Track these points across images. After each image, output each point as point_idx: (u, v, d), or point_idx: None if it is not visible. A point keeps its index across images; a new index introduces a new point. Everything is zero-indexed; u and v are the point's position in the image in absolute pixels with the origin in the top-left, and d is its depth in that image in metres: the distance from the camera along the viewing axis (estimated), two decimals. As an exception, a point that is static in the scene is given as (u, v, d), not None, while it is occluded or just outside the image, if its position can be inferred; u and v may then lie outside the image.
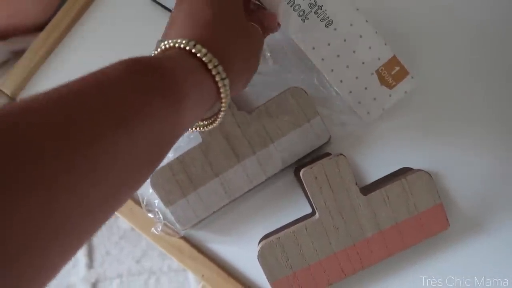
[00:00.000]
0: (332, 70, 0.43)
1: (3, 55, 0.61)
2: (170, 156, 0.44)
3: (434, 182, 0.42)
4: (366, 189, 0.43)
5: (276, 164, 0.44)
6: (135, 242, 1.08)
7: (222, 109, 0.32)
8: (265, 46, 0.45)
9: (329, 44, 0.42)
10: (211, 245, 0.47)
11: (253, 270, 0.45)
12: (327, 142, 0.44)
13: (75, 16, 0.49)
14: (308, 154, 0.44)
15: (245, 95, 0.46)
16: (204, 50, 0.29)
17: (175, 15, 0.33)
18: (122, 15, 0.48)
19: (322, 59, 0.43)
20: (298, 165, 0.45)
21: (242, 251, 0.45)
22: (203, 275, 0.45)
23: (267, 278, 0.42)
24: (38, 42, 0.49)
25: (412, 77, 0.44)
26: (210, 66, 0.29)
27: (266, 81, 0.46)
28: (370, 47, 0.43)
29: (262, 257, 0.42)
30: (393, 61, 0.43)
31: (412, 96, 0.45)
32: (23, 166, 0.18)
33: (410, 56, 0.44)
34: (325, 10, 0.41)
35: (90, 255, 1.22)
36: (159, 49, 0.30)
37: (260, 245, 0.43)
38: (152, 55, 0.30)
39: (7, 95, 0.49)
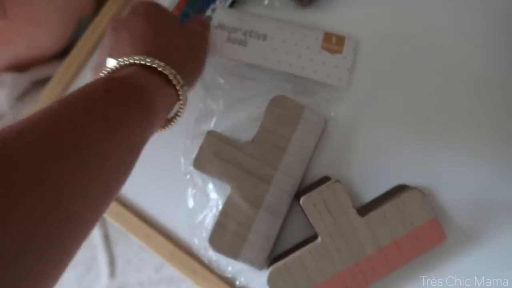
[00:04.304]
0: (290, 65, 0.50)
1: (24, 86, 0.65)
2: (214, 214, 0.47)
3: (426, 199, 0.44)
4: (364, 210, 0.46)
5: (298, 167, 0.47)
6: (153, 251, 1.11)
7: (181, 111, 0.39)
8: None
9: (274, 50, 0.51)
10: (223, 266, 0.49)
11: (264, 292, 0.48)
12: (327, 126, 0.49)
13: (94, 44, 0.55)
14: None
15: (239, 130, 0.49)
16: (162, 64, 0.34)
17: (113, 43, 0.38)
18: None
19: (278, 62, 0.50)
20: (298, 191, 0.47)
21: (253, 273, 0.48)
22: (216, 297, 0.49)
23: (278, 300, 0.45)
24: (61, 71, 0.55)
25: (349, 38, 0.51)
26: (170, 77, 0.35)
27: (245, 107, 0.50)
28: (304, 36, 0.51)
29: (271, 282, 0.45)
30: (327, 35, 0.51)
31: (405, 112, 0.47)
32: (21, 169, 0.21)
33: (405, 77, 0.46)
34: (256, 31, 0.51)
35: (112, 264, 1.26)
36: (114, 66, 0.34)
37: (269, 270, 0.46)
38: (109, 71, 0.35)
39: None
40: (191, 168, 0.47)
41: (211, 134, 0.47)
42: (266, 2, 0.53)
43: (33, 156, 0.22)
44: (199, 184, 0.49)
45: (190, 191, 0.49)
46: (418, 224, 0.44)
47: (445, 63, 0.49)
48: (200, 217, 0.49)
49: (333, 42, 0.51)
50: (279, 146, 0.47)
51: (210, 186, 0.49)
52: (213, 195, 0.48)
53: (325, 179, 0.47)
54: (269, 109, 0.48)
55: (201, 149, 0.47)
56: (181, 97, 0.37)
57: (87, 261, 1.26)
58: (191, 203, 0.49)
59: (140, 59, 0.34)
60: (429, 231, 0.45)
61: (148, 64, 0.34)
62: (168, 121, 0.40)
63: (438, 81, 0.49)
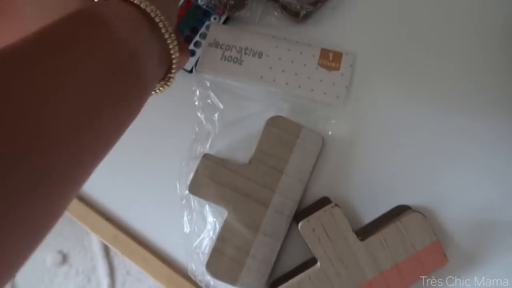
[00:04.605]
0: (286, 83, 0.49)
1: None
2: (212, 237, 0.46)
3: (428, 222, 0.43)
4: (363, 232, 0.45)
5: (297, 188, 0.46)
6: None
7: (171, 46, 0.33)
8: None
9: (271, 68, 0.49)
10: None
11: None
12: (324, 144, 0.48)
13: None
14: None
15: (236, 150, 0.48)
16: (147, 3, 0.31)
17: None
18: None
19: (274, 80, 0.49)
20: (297, 213, 0.46)
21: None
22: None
23: (277, 327, 0.44)
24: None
25: (346, 54, 0.50)
26: (148, 10, 0.31)
27: (241, 127, 0.49)
28: (301, 53, 0.50)
29: (270, 308, 0.44)
30: (324, 52, 0.50)
31: (405, 129, 0.47)
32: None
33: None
34: (251, 48, 0.50)
35: (112, 275, 1.26)
36: None
37: (267, 296, 0.45)
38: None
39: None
40: (187, 192, 0.46)
41: (206, 157, 0.46)
42: (261, 19, 0.52)
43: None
44: (195, 207, 0.48)
45: (186, 215, 0.48)
46: (419, 248, 0.43)
47: (445, 77, 0.48)
48: (197, 241, 0.48)
49: (330, 58, 0.50)
50: (277, 168, 0.46)
51: (207, 208, 0.48)
52: (210, 218, 0.47)
53: (324, 200, 0.46)
54: (266, 130, 0.47)
55: (197, 173, 0.46)
56: (166, 36, 0.33)
57: (88, 271, 1.25)
58: (187, 229, 0.48)
59: None
60: (431, 254, 0.44)
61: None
62: (168, 66, 0.35)
63: (437, 98, 0.48)
